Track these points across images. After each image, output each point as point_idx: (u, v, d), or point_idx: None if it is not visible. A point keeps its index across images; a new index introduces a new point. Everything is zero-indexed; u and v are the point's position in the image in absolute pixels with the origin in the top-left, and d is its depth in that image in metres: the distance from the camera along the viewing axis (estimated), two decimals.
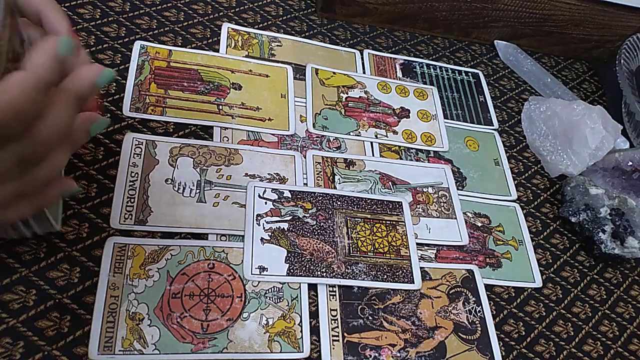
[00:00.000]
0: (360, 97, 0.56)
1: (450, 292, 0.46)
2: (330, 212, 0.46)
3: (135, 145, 0.44)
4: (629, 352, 0.50)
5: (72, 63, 0.26)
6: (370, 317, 0.43)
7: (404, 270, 0.45)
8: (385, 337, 0.42)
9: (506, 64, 0.68)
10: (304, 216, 0.45)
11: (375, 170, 0.51)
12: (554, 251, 0.54)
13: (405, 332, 0.43)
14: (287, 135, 0.50)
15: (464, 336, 0.44)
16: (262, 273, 0.42)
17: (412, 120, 0.57)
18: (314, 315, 0.42)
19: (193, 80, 0.50)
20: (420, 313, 0.44)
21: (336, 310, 0.42)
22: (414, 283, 0.45)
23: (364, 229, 0.46)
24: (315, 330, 0.41)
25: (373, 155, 0.53)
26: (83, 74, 0.27)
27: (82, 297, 0.37)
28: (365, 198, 0.48)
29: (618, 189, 0.57)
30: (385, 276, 0.45)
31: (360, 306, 0.43)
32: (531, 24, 0.67)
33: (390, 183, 0.51)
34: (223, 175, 0.45)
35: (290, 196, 0.46)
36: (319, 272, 0.43)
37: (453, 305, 0.46)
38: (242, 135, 0.49)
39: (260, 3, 0.60)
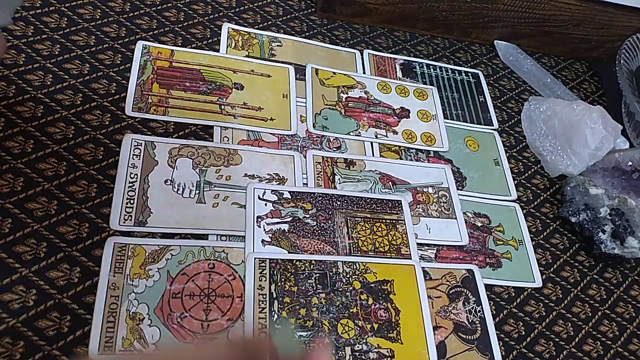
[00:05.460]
0: (360, 97, 0.56)
1: (450, 292, 0.46)
2: (330, 212, 0.46)
3: (134, 146, 0.44)
4: (629, 352, 0.50)
5: None
6: None
7: None
8: None
9: (506, 64, 0.68)
10: (304, 217, 0.45)
11: (376, 170, 0.51)
12: (553, 251, 0.54)
13: None
14: (287, 135, 0.50)
15: (464, 336, 0.44)
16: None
17: (412, 120, 0.57)
18: None
19: (195, 80, 0.50)
20: None
21: None
22: None
23: (364, 228, 0.46)
24: None
25: (373, 155, 0.53)
26: None
27: (82, 297, 0.37)
28: (364, 197, 0.48)
29: (618, 189, 0.57)
30: None
31: None
32: (531, 24, 0.67)
33: (390, 183, 0.51)
34: (222, 175, 0.45)
35: (290, 197, 0.46)
36: None
37: (453, 305, 0.46)
38: (242, 135, 0.49)
39: (260, 3, 0.60)
